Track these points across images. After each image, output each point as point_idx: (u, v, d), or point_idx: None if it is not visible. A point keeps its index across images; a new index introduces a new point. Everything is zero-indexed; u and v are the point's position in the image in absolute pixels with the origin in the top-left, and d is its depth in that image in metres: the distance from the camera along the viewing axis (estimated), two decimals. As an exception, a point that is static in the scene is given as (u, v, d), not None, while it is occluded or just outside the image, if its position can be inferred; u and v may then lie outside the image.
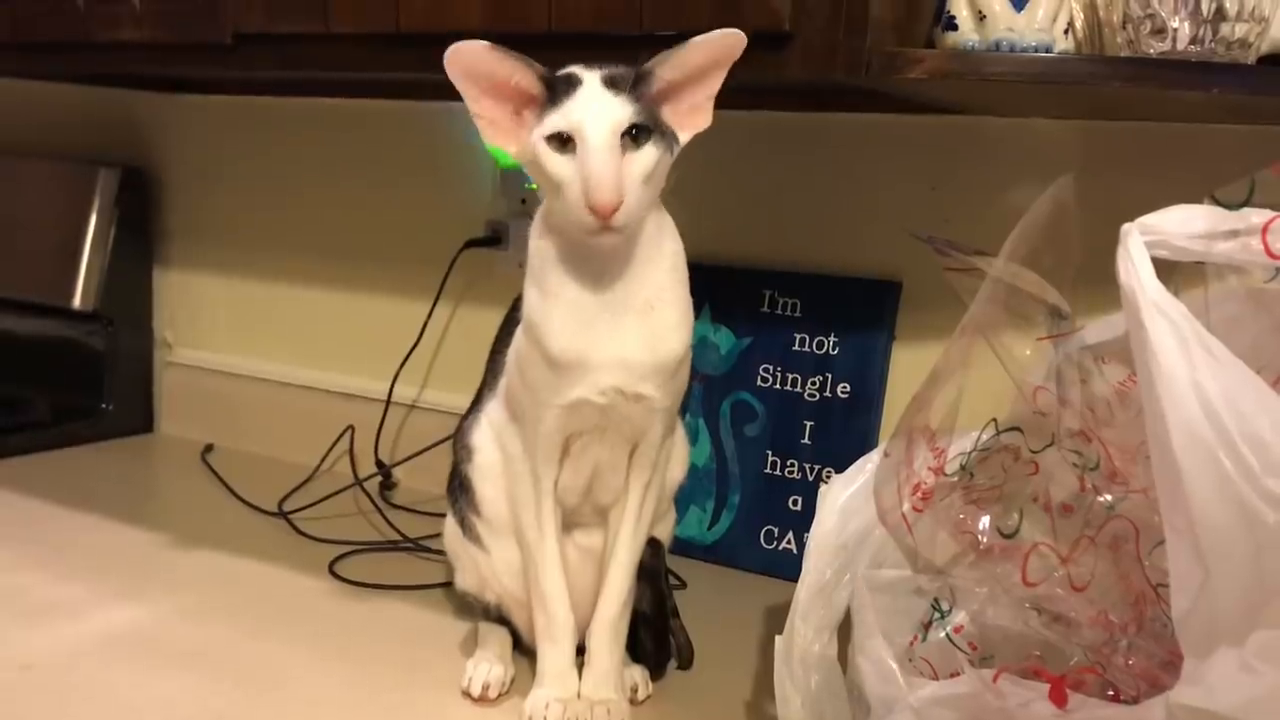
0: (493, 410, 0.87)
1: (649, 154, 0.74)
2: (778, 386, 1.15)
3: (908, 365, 1.11)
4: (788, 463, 1.14)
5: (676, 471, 0.91)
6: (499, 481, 0.86)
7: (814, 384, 1.13)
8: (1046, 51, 0.78)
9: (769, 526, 1.14)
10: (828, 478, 1.11)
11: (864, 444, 1.10)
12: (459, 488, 0.89)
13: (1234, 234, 0.53)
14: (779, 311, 1.16)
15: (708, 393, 1.18)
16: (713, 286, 1.19)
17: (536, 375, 0.80)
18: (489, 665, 0.86)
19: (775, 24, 0.78)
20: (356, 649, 0.93)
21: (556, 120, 0.73)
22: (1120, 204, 0.61)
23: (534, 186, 1.26)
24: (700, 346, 1.19)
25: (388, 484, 1.34)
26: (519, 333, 0.82)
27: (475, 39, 0.74)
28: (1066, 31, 0.80)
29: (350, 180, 1.43)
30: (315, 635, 0.96)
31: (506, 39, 0.74)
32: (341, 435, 1.36)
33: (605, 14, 0.82)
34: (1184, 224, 0.53)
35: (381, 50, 0.94)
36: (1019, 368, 0.72)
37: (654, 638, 0.86)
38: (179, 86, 1.52)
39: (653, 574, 0.86)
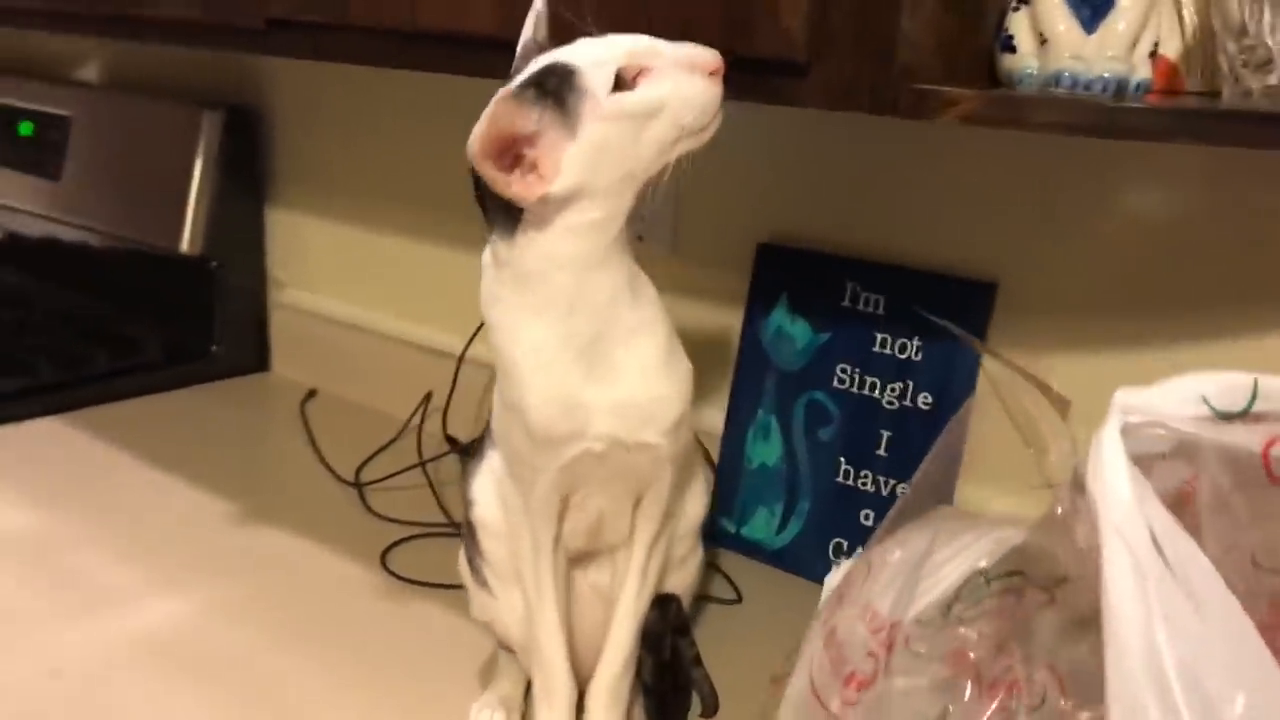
0: (495, 457, 0.82)
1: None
2: (855, 390, 1.05)
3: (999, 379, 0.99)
4: (861, 473, 1.05)
5: (695, 508, 0.85)
6: (500, 534, 0.81)
7: (894, 390, 1.03)
8: (1120, 85, 0.64)
9: (838, 539, 1.06)
10: (904, 493, 1.02)
11: (946, 464, 0.99)
12: (467, 527, 0.85)
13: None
14: (861, 307, 1.05)
15: (781, 388, 1.10)
16: (791, 272, 1.09)
17: (521, 445, 0.74)
18: (490, 713, 0.82)
19: (790, 53, 0.66)
20: (383, 665, 0.92)
21: (594, 76, 0.66)
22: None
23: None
24: (776, 338, 1.10)
25: (466, 452, 1.31)
26: (496, 397, 0.75)
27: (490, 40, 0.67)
28: (1152, 54, 0.65)
29: (449, 126, 1.36)
30: (350, 645, 0.95)
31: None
32: (425, 400, 1.33)
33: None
34: (1181, 404, 0.42)
35: (398, 46, 0.87)
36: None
37: (656, 710, 0.81)
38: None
39: (655, 640, 0.80)
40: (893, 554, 0.66)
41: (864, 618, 0.60)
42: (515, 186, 0.66)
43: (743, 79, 0.66)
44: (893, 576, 0.62)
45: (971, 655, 0.59)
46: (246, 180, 1.56)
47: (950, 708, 0.60)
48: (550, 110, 0.65)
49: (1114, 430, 0.42)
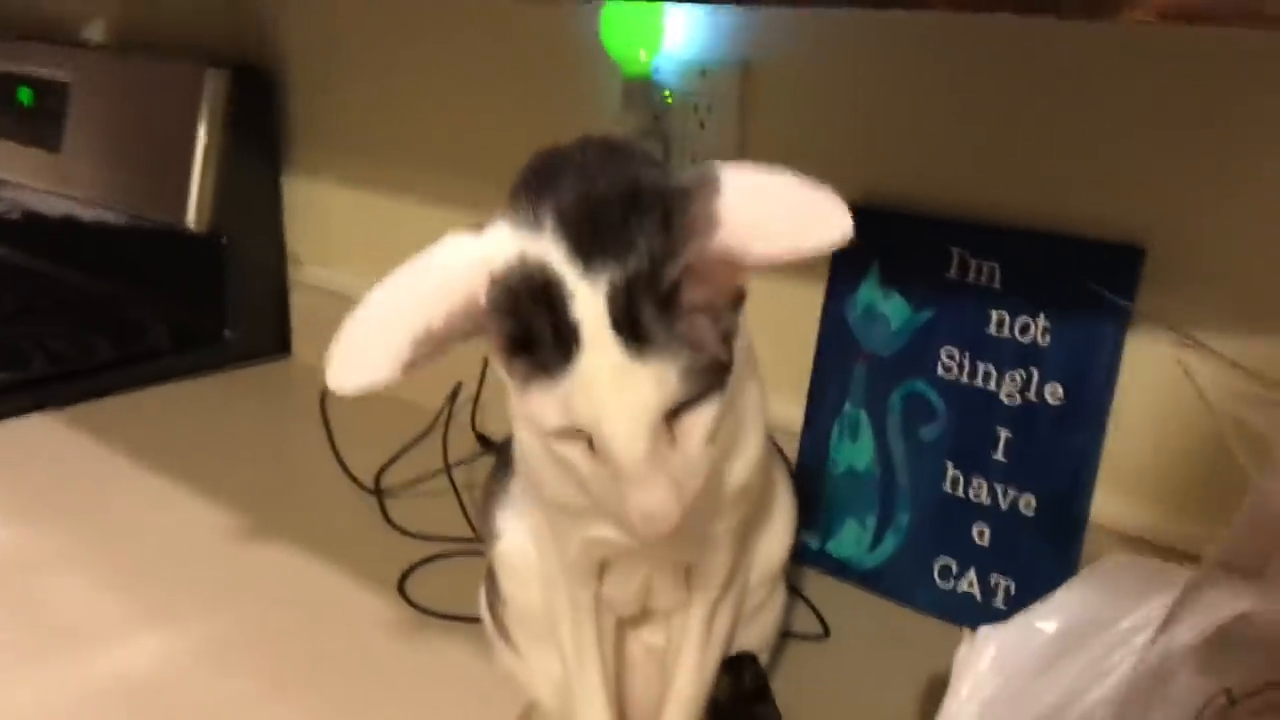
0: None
1: (708, 411, 0.47)
2: (965, 380, 0.87)
3: (1148, 365, 0.80)
4: (973, 481, 0.87)
5: (775, 548, 0.67)
6: (530, 578, 0.63)
7: (1014, 380, 0.84)
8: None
9: (945, 559, 0.88)
10: (1028, 508, 0.84)
11: (1079, 471, 0.81)
12: (488, 568, 0.68)
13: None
14: (971, 279, 0.86)
15: (873, 377, 0.91)
16: (884, 238, 0.90)
17: (542, 502, 0.57)
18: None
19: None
20: (391, 716, 0.76)
21: (548, 410, 0.46)
22: None
23: (670, 100, 1.00)
24: (866, 317, 0.91)
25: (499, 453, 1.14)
26: (516, 433, 0.57)
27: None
28: None
29: (474, 86, 1.20)
30: (361, 693, 0.79)
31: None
32: (454, 394, 1.16)
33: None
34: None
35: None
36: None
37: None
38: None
39: (728, 714, 0.62)
40: (1048, 623, 0.47)
41: None
42: None
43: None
44: None
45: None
46: (259, 147, 1.39)
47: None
48: None
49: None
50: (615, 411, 0.44)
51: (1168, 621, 0.43)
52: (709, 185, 0.44)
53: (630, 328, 0.44)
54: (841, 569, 0.94)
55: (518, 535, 0.64)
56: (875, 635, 0.87)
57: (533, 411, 0.46)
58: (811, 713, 0.73)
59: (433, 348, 0.45)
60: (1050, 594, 0.51)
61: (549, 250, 0.45)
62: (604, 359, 0.44)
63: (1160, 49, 0.77)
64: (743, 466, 0.55)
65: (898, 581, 0.91)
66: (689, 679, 0.62)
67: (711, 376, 0.45)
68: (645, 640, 0.65)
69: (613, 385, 0.44)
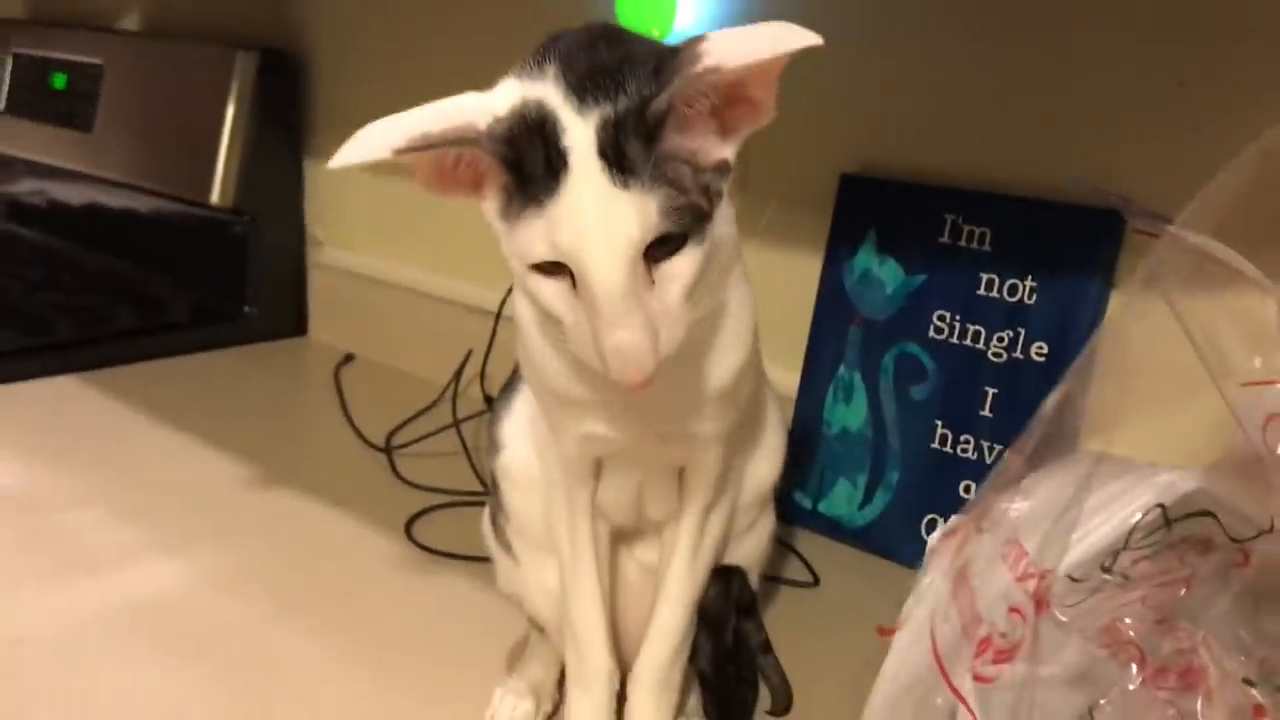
0: (529, 395, 0.67)
1: (689, 260, 0.49)
2: (955, 340, 0.90)
3: (1128, 323, 0.83)
4: (961, 438, 0.90)
5: (763, 469, 0.70)
6: (531, 489, 0.67)
7: (1001, 340, 0.88)
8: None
9: (933, 514, 0.91)
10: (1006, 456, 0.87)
11: (1060, 424, 0.84)
12: (491, 480, 0.71)
13: None
14: (963, 243, 0.90)
15: (867, 340, 0.95)
16: (880, 206, 0.94)
17: (543, 396, 0.61)
18: (515, 701, 0.68)
19: None
20: (398, 642, 0.79)
21: (534, 240, 0.49)
22: None
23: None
24: (862, 283, 0.95)
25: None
26: (518, 321, 0.61)
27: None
28: None
29: (495, 72, 1.24)
30: (362, 619, 0.82)
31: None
32: (466, 360, 1.20)
33: None
34: None
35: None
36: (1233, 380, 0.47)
37: (716, 704, 0.66)
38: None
39: (715, 621, 0.65)
40: (1019, 503, 0.51)
41: (1008, 557, 0.45)
42: None
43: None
44: (1034, 519, 0.47)
45: (1133, 630, 0.44)
46: (283, 129, 1.44)
47: (1103, 701, 0.45)
48: None
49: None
50: (597, 238, 0.47)
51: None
52: (695, 40, 0.48)
53: (616, 157, 0.47)
54: (833, 528, 0.97)
55: (520, 447, 0.68)
56: (863, 587, 0.90)
57: (520, 245, 0.49)
58: (799, 653, 0.76)
59: (425, 145, 0.49)
60: (1020, 481, 0.54)
61: (548, 90, 0.49)
62: (589, 185, 0.47)
63: (1131, 17, 0.81)
64: (728, 367, 0.59)
65: (886, 538, 0.93)
66: (680, 581, 0.65)
67: (690, 219, 0.48)
68: (639, 558, 0.69)
69: (595, 212, 0.47)
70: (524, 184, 0.49)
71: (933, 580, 0.52)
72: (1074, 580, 0.44)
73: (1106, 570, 0.43)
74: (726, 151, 0.51)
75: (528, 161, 0.48)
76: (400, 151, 0.48)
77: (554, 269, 0.49)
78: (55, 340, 1.32)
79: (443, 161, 0.51)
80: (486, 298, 1.24)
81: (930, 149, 0.93)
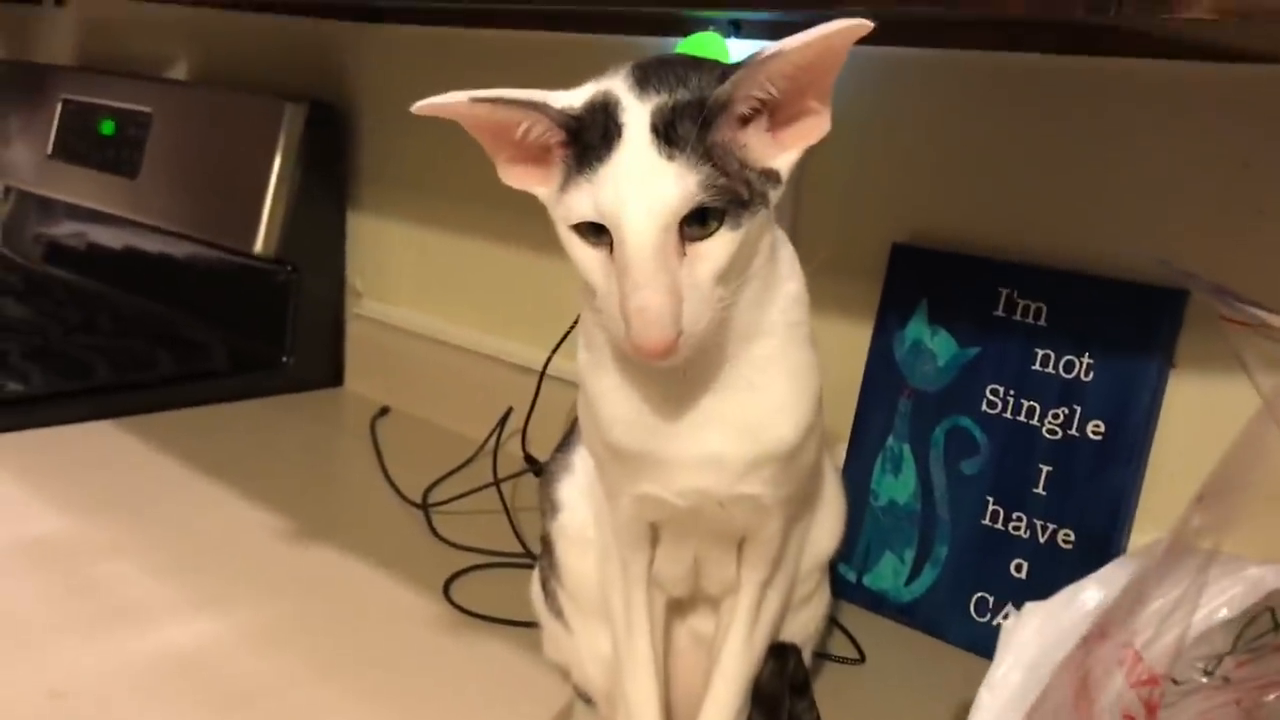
0: (588, 455, 0.67)
1: (722, 244, 0.52)
2: (1009, 415, 0.89)
3: (1188, 405, 0.82)
4: (1014, 515, 0.88)
5: (825, 542, 0.69)
6: (587, 551, 0.66)
7: (1056, 417, 0.86)
8: None
9: (982, 593, 0.89)
10: (1066, 543, 0.85)
11: (1118, 506, 0.83)
12: (544, 543, 0.70)
13: None
14: (1018, 317, 0.89)
15: (917, 412, 0.94)
16: (932, 277, 0.93)
17: (600, 454, 0.60)
18: (559, 774, 0.67)
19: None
20: (435, 707, 0.77)
21: (581, 200, 0.52)
22: None
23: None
24: (913, 353, 0.94)
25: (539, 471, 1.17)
26: (580, 365, 0.61)
27: None
28: None
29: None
30: (400, 682, 0.81)
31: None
32: (506, 416, 1.19)
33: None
34: None
35: None
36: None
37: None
38: (373, 16, 1.39)
39: (769, 700, 0.64)
40: (1131, 603, 0.49)
41: (1123, 663, 0.43)
42: None
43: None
44: (1147, 620, 0.45)
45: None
46: (328, 181, 1.45)
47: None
48: None
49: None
50: (636, 200, 0.50)
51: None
52: (756, 52, 0.51)
53: (665, 133, 0.51)
54: (878, 602, 0.95)
55: (580, 508, 0.67)
56: (910, 665, 0.88)
57: (569, 206, 0.53)
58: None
59: (499, 102, 0.54)
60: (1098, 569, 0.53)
61: (616, 83, 0.54)
62: (637, 153, 0.51)
63: (1195, 96, 0.80)
64: (792, 427, 0.58)
65: (933, 615, 0.92)
66: (736, 658, 0.63)
67: (728, 201, 0.51)
68: (693, 627, 0.67)
69: (639, 178, 0.50)
70: (581, 154, 0.52)
71: (1006, 671, 0.51)
72: (1175, 683, 0.42)
73: (1209, 674, 0.42)
74: (779, 163, 0.54)
75: (587, 133, 0.52)
76: (478, 101, 0.54)
77: (596, 238, 0.52)
78: (93, 384, 1.33)
79: (511, 128, 0.55)
80: (525, 354, 1.24)
81: (983, 221, 0.92)
